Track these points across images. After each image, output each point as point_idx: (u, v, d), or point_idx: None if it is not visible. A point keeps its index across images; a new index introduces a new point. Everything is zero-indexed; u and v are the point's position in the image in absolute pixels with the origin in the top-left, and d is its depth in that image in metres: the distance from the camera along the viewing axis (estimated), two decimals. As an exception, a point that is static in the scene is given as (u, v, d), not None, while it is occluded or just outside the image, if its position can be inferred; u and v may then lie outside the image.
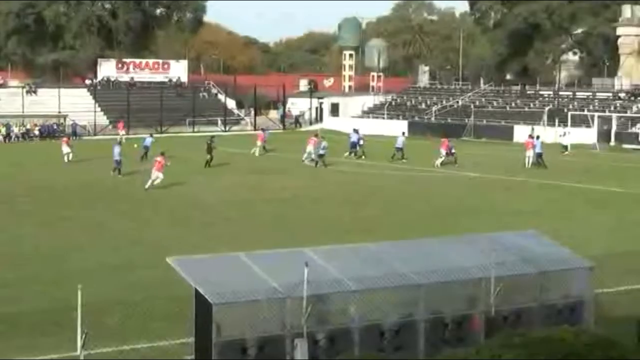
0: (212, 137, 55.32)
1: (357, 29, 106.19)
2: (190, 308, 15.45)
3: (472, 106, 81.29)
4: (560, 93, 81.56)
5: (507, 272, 16.44)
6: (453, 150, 53.68)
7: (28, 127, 74.79)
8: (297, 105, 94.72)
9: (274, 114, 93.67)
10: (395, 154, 55.62)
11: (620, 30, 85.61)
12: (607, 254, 22.89)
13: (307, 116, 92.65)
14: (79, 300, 14.41)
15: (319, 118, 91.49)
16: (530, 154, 52.82)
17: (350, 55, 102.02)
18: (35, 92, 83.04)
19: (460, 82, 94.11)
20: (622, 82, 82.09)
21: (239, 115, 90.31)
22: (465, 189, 43.02)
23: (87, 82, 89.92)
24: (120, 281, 23.06)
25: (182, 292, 16.00)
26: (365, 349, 15.02)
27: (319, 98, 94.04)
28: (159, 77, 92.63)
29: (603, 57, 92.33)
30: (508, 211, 35.67)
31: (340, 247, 18.21)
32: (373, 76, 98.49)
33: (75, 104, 79.31)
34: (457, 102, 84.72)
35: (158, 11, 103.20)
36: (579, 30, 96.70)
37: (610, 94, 79.11)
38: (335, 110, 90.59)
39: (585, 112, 73.16)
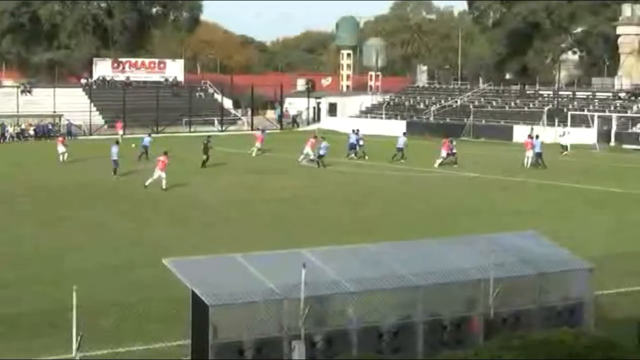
0: (209, 137, 55.29)
1: (355, 28, 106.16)
2: (187, 310, 15.34)
3: (471, 106, 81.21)
4: (560, 93, 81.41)
5: (506, 273, 16.36)
6: (454, 151, 53.60)
7: (23, 127, 74.61)
8: (295, 105, 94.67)
9: (271, 114, 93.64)
10: (396, 154, 55.48)
11: (620, 30, 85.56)
12: (606, 255, 22.80)
13: (304, 116, 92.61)
14: (74, 302, 14.30)
15: (317, 118, 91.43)
16: (529, 154, 52.74)
17: (348, 54, 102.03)
18: (30, 91, 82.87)
19: (459, 82, 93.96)
20: (622, 81, 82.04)
21: (235, 115, 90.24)
22: (465, 189, 42.96)
23: (83, 81, 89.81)
24: (119, 282, 22.98)
25: (179, 294, 15.90)
26: (363, 351, 14.94)
27: (316, 98, 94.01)
28: (155, 77, 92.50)
29: (603, 56, 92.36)
30: (507, 211, 35.61)
31: (338, 248, 18.11)
32: (371, 76, 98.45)
33: (70, 104, 79.08)
34: (456, 101, 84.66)
35: (154, 10, 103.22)
36: (579, 30, 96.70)
37: (610, 94, 79.03)
38: (333, 110, 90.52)
39: (585, 112, 73.09)
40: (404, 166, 52.69)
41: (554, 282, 16.89)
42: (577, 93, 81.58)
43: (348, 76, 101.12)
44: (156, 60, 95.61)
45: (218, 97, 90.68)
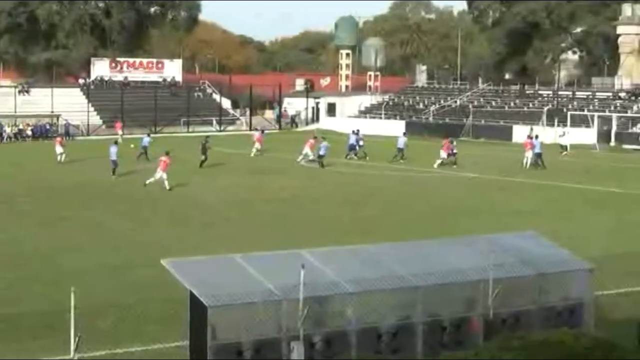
0: (207, 137, 55.19)
1: (354, 28, 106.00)
2: (186, 310, 15.29)
3: (470, 106, 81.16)
4: (560, 93, 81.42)
5: (506, 274, 16.32)
6: (455, 151, 53.55)
7: (20, 127, 74.46)
8: (294, 105, 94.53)
9: (270, 114, 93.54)
10: (396, 155, 55.40)
11: (620, 29, 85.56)
12: (606, 255, 22.77)
13: (303, 116, 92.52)
14: (72, 303, 14.25)
15: (316, 118, 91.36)
16: (529, 154, 52.69)
17: (347, 54, 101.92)
18: (27, 91, 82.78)
19: (459, 82, 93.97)
20: (622, 81, 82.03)
21: (234, 115, 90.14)
22: (465, 190, 42.94)
23: (80, 81, 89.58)
24: (119, 282, 22.96)
25: (178, 294, 15.84)
26: (362, 352, 14.93)
27: (315, 98, 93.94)
28: (153, 77, 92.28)
29: (603, 56, 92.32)
30: (507, 211, 35.60)
31: (337, 248, 18.07)
32: (370, 76, 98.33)
33: (68, 104, 78.86)
34: (455, 101, 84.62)
35: (152, 10, 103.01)
36: (579, 29, 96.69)
37: (610, 94, 79.02)
38: (332, 110, 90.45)
39: (585, 112, 73.04)
40: (404, 166, 52.65)
41: (554, 283, 16.84)
42: (577, 93, 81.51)
43: (347, 76, 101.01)
44: (154, 60, 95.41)
45: (216, 97, 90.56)
